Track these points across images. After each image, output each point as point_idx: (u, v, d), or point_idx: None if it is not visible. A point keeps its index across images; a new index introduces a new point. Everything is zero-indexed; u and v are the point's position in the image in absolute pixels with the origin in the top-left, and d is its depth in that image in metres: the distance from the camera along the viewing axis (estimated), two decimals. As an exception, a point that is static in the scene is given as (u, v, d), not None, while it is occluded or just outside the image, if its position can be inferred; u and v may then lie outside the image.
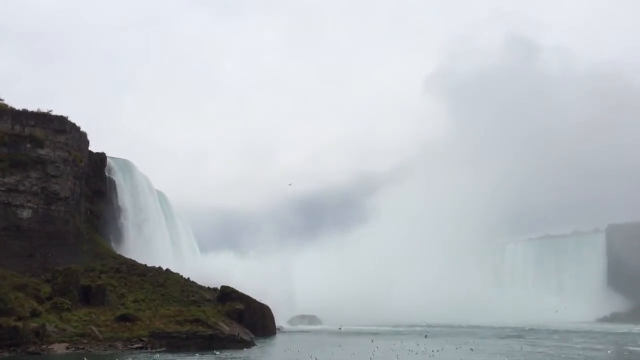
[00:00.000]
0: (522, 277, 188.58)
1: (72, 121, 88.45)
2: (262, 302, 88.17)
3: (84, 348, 49.55)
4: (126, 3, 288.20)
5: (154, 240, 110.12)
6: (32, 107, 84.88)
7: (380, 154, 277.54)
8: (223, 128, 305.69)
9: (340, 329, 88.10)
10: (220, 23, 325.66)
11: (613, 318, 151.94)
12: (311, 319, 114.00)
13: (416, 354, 45.63)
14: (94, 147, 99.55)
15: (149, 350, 50.77)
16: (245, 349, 51.50)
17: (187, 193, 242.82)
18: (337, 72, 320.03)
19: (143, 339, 52.71)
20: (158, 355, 46.71)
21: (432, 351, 47.19)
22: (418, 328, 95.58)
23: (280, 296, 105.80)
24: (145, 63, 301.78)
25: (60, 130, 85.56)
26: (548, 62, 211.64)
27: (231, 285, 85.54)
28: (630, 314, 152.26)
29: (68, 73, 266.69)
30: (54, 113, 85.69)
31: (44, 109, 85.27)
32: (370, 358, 40.46)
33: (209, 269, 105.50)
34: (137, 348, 50.96)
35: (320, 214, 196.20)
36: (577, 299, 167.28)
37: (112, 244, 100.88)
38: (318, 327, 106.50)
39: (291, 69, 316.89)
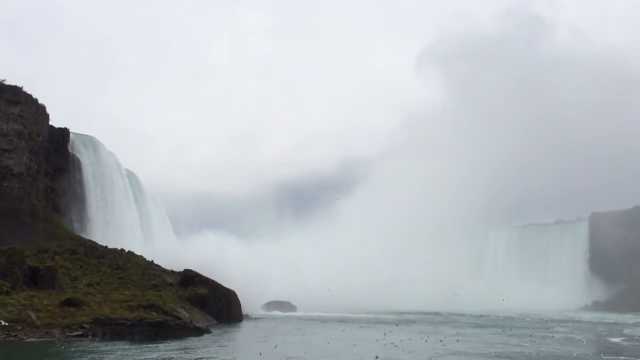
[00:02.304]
0: (505, 265, 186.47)
1: (28, 92, 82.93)
2: (238, 287, 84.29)
3: (16, 335, 44.77)
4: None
5: (120, 220, 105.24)
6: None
7: (369, 141, 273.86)
8: (210, 114, 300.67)
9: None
10: (208, 8, 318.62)
11: (594, 306, 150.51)
12: (285, 305, 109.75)
13: (381, 343, 41.44)
14: (79, 129, 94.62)
15: (90, 338, 46.13)
16: (195, 338, 47.01)
17: (172, 178, 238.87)
18: (327, 58, 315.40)
19: (84, 325, 48.03)
20: (94, 344, 42.25)
21: (400, 341, 43.16)
22: (392, 316, 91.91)
23: (255, 281, 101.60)
24: (131, 47, 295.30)
25: (13, 102, 79.88)
26: (556, 41, 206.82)
27: (206, 269, 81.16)
28: (611, 302, 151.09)
29: (52, 56, 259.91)
30: (7, 83, 79.87)
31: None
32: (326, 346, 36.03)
33: (183, 252, 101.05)
34: (76, 336, 46.25)
35: (307, 201, 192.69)
36: (559, 287, 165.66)
37: (75, 224, 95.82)
38: (291, 313, 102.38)
39: (280, 56, 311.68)
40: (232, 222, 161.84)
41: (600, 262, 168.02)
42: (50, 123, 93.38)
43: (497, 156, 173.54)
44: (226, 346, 41.93)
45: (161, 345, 41.04)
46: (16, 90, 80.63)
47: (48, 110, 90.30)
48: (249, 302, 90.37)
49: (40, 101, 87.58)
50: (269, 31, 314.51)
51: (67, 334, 46.49)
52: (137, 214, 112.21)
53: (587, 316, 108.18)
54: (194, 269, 79.18)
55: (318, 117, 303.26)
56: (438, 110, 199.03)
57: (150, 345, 41.55)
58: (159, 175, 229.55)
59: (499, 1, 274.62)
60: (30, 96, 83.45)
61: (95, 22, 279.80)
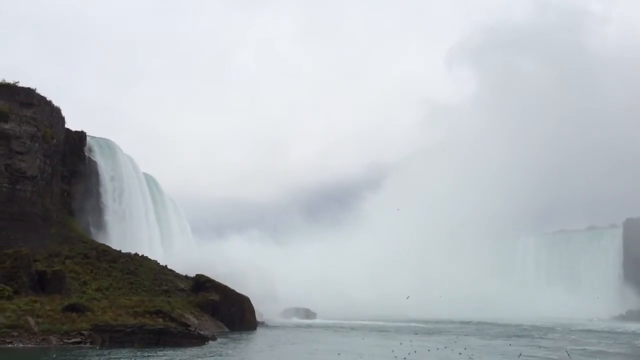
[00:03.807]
0: (535, 272, 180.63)
1: (42, 94, 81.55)
2: (258, 292, 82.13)
3: (11, 342, 42.77)
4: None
5: (138, 224, 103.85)
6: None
7: (396, 143, 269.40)
8: (237, 119, 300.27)
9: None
10: (235, 13, 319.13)
11: (628, 316, 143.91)
12: (304, 312, 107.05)
13: (392, 356, 38.19)
14: (103, 133, 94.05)
15: (88, 345, 43.93)
16: (197, 346, 44.38)
17: (198, 183, 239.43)
18: (354, 63, 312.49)
19: (83, 332, 45.82)
20: (88, 351, 39.94)
21: (414, 352, 39.85)
22: (416, 324, 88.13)
23: (276, 286, 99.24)
24: (158, 53, 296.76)
25: (27, 104, 78.56)
26: (600, 35, 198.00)
27: (227, 274, 79.27)
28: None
29: (81, 62, 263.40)
30: (20, 85, 78.83)
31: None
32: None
33: (204, 257, 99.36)
34: (74, 343, 44.12)
35: (334, 206, 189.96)
36: (591, 296, 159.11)
37: (92, 229, 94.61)
38: (310, 321, 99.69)
39: (306, 60, 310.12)
40: (258, 227, 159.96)
41: (635, 270, 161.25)
42: (69, 127, 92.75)
43: (527, 158, 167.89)
44: (224, 356, 39.14)
45: (156, 354, 38.51)
46: (29, 92, 79.42)
47: (70, 114, 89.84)
48: (268, 309, 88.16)
49: (59, 105, 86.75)
50: (295, 35, 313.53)
51: (65, 340, 44.39)
52: (155, 217, 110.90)
53: (622, 326, 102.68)
54: (214, 274, 76.97)
55: (345, 121, 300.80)
56: (466, 110, 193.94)
57: (145, 353, 39.07)
58: (185, 180, 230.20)
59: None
60: (44, 98, 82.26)
61: (121, 29, 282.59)
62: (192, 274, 79.51)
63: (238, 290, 73.35)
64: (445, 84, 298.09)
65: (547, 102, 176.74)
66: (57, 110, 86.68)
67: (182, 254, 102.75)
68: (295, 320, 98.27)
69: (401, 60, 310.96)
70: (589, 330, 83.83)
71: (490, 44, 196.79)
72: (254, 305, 75.10)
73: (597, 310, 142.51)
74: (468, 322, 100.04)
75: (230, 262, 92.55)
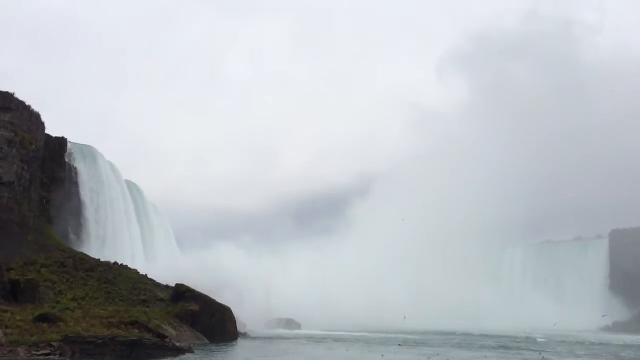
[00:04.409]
0: (521, 283, 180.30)
1: (21, 99, 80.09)
2: (243, 303, 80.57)
3: (-25, 354, 40.96)
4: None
5: (119, 232, 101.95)
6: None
7: (386, 153, 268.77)
8: (227, 127, 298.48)
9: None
10: (226, 21, 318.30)
11: (615, 327, 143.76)
12: (289, 323, 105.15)
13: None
14: (94, 141, 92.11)
15: (57, 357, 42.16)
16: (171, 358, 42.74)
17: (187, 192, 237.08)
18: (345, 70, 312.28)
19: (53, 343, 43.99)
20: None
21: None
22: (407, 336, 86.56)
23: (263, 296, 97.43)
24: (148, 61, 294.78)
25: (4, 108, 76.94)
26: (593, 47, 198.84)
27: (213, 283, 77.41)
28: (633, 322, 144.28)
29: (71, 68, 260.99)
30: (-2, 89, 77.17)
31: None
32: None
33: (190, 266, 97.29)
34: (42, 354, 42.28)
35: (324, 215, 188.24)
36: (578, 306, 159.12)
37: (71, 236, 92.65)
38: (295, 331, 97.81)
39: (298, 68, 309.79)
40: (248, 235, 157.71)
41: (621, 281, 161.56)
42: (54, 133, 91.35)
43: (518, 168, 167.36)
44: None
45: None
46: (7, 96, 77.74)
47: (58, 121, 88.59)
48: (252, 319, 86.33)
49: (45, 111, 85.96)
50: (287, 44, 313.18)
51: (33, 352, 42.51)
52: (137, 225, 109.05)
53: (608, 337, 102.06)
54: (200, 283, 75.08)
55: (336, 129, 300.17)
56: (457, 118, 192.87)
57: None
58: (175, 188, 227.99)
59: (528, 2, 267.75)
60: (22, 102, 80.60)
61: (112, 35, 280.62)
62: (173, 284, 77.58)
63: (227, 301, 71.71)
64: (436, 92, 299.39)
65: (538, 112, 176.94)
66: (37, 115, 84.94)
67: (164, 263, 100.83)
68: (280, 330, 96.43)
69: (392, 68, 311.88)
70: (577, 342, 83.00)
71: (481, 51, 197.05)
72: (238, 315, 73.47)
73: (584, 321, 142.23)
74: (453, 333, 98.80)
75: (219, 271, 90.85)
